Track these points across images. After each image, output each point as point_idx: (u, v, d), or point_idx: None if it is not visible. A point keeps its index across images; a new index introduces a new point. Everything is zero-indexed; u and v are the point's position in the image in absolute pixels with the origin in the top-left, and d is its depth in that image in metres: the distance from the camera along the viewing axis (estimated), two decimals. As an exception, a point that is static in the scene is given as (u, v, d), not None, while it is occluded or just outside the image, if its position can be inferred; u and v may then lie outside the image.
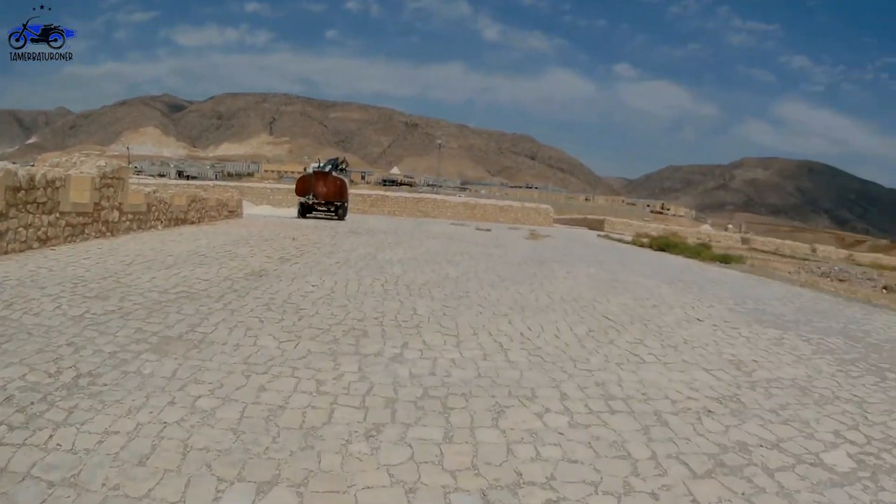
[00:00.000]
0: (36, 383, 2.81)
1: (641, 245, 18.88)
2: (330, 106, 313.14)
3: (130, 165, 43.26)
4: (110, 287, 4.88)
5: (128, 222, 9.03)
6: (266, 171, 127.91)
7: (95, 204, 7.95)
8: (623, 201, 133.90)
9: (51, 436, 2.34)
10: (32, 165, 7.91)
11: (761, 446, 2.90)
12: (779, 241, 36.76)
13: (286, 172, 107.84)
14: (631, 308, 6.23)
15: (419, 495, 2.17)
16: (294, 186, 19.02)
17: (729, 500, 2.35)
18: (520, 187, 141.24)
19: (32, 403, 2.59)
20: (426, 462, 2.41)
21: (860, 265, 25.23)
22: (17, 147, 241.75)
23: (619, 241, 20.72)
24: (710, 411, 3.30)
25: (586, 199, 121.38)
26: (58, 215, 7.03)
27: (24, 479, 2.05)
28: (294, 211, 18.76)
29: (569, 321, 5.24)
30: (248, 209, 18.34)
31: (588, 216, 37.53)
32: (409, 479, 2.27)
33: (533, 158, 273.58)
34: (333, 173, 17.87)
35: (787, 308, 7.64)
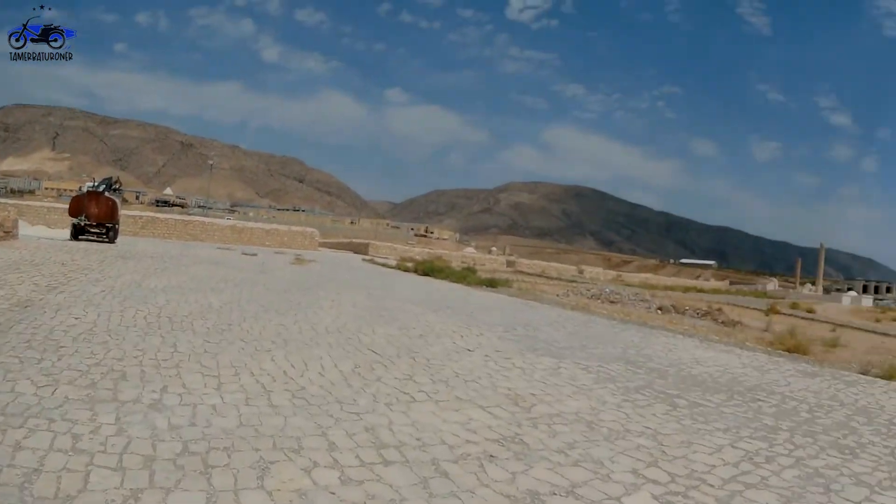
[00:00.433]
0: None
1: (406, 269, 18.81)
2: (112, 122, 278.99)
3: None
4: None
5: None
6: (47, 188, 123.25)
7: None
8: (388, 224, 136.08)
9: None
10: None
11: (555, 494, 2.69)
12: (545, 263, 39.56)
13: (64, 191, 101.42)
14: (397, 339, 6.09)
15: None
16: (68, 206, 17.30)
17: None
18: (287, 210, 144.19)
19: None
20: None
21: (630, 285, 26.94)
22: None
23: (384, 265, 20.83)
24: (492, 456, 3.08)
25: (352, 223, 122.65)
26: None
27: None
28: (68, 232, 17.04)
29: (333, 356, 5.05)
30: (24, 229, 16.14)
31: (353, 240, 38.02)
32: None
33: (301, 181, 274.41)
34: (107, 193, 16.65)
35: (559, 333, 7.57)
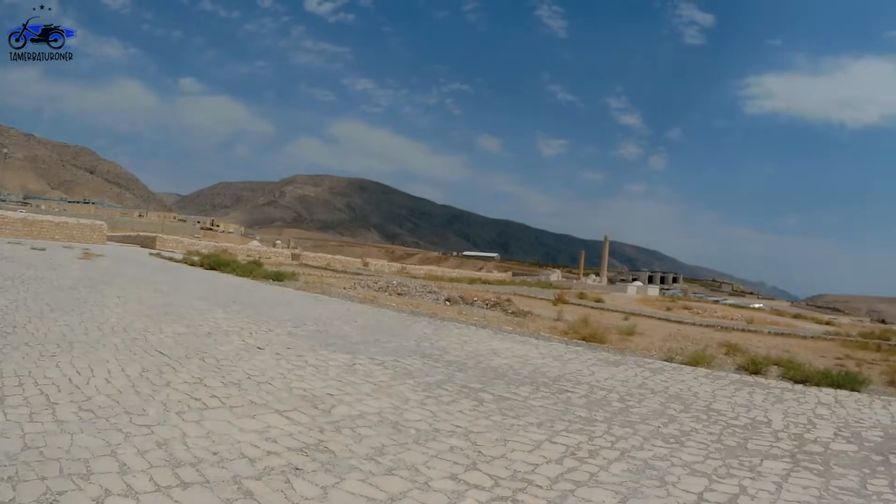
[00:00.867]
0: None
1: (192, 264, 18.49)
2: None
3: None
4: None
5: None
6: None
7: None
8: (175, 217, 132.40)
9: None
10: None
11: (375, 511, 2.50)
12: (330, 256, 39.81)
13: None
14: (185, 338, 5.82)
15: None
16: None
17: None
18: (78, 202, 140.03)
19: None
20: None
21: (416, 277, 28.05)
22: None
23: (171, 259, 20.57)
24: (297, 469, 2.81)
25: (140, 216, 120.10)
26: None
27: None
28: None
29: (120, 359, 4.71)
30: None
31: (141, 233, 36.04)
32: None
33: (92, 172, 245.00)
34: None
35: (351, 328, 7.44)
